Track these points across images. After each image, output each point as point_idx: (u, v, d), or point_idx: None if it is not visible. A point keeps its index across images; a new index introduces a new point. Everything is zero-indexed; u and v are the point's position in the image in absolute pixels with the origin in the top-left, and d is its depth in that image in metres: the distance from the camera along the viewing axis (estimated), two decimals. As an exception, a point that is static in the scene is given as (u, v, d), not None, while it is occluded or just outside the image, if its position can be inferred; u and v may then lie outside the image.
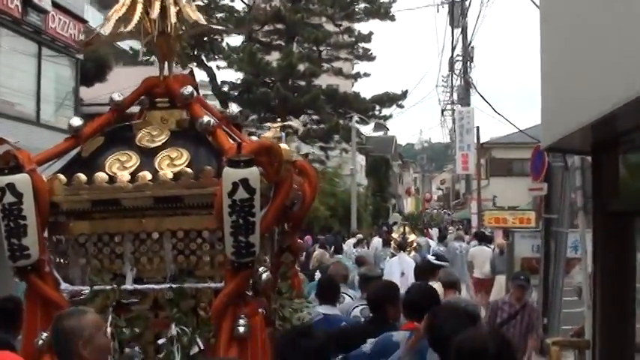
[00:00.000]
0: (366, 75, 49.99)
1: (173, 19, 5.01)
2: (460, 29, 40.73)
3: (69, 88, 20.56)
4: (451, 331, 4.51)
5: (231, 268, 4.41)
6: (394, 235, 24.99)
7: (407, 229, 26.07)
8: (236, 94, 47.70)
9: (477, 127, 40.62)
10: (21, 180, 4.49)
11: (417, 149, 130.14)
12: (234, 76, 49.06)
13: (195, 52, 48.84)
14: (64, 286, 4.80)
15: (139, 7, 5.05)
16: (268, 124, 5.34)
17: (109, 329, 4.55)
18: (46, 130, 17.45)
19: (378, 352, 5.74)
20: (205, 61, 48.59)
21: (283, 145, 4.42)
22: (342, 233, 29.93)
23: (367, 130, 48.05)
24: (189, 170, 4.62)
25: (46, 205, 4.64)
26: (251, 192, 4.21)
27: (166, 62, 5.39)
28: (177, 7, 5.14)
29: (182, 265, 4.75)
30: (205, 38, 47.13)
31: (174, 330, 4.56)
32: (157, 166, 4.75)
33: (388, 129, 40.71)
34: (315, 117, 46.20)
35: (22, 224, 4.48)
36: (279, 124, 4.67)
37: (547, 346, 9.52)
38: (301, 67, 43.66)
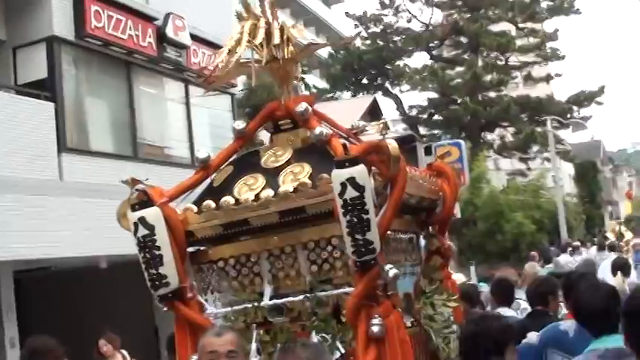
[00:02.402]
0: (558, 75, 49.23)
1: (277, 40, 5.36)
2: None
3: (226, 127, 19.76)
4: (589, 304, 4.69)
5: (357, 269, 4.66)
6: (609, 234, 24.61)
7: (622, 228, 25.58)
8: (425, 117, 48.04)
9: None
10: (151, 213, 4.97)
11: (629, 153, 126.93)
12: (420, 98, 49.51)
13: (379, 81, 49.88)
14: (209, 309, 5.23)
15: (245, 38, 5.45)
16: (371, 124, 5.54)
17: (253, 345, 4.96)
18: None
19: (547, 342, 5.88)
20: (390, 89, 49.38)
21: (390, 141, 4.64)
22: (554, 244, 29.32)
23: (569, 136, 47.10)
24: (307, 181, 4.93)
25: (181, 234, 5.09)
26: (360, 189, 4.46)
27: (285, 86, 5.70)
28: (283, 31, 5.50)
29: (318, 275, 5.06)
30: (388, 65, 48.08)
31: (314, 338, 4.86)
32: (280, 183, 5.10)
33: (587, 127, 39.87)
34: (510, 128, 45.80)
35: (158, 254, 4.94)
36: (382, 121, 4.89)
37: None
38: (488, 78, 43.52)
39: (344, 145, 4.71)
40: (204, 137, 19.59)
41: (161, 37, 17.67)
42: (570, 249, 24.94)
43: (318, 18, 58.05)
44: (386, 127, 4.83)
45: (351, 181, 4.47)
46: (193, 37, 18.65)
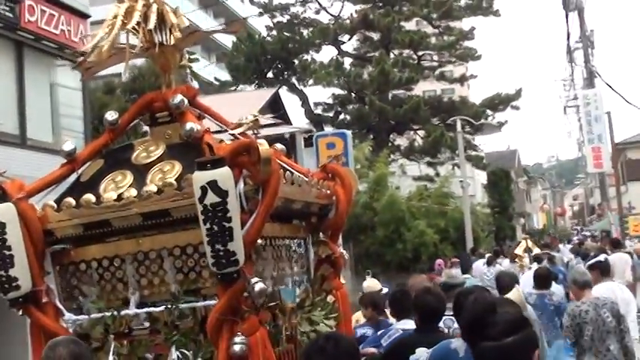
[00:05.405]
0: (473, 77, 49.95)
1: (152, 25, 5.27)
2: (576, 12, 39.58)
3: (73, 105, 18.67)
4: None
5: (218, 282, 4.61)
6: (517, 250, 25.21)
7: (529, 242, 26.15)
8: (331, 115, 48.07)
9: (609, 113, 37.55)
10: (3, 209, 4.86)
11: (545, 167, 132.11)
12: (326, 96, 49.55)
13: (285, 75, 49.75)
14: (67, 316, 5.10)
15: (119, 21, 5.35)
16: (241, 120, 5.50)
17: (110, 358, 4.88)
18: (37, 154, 15.67)
19: None
20: (296, 84, 49.25)
21: (261, 141, 4.60)
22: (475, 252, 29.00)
23: (484, 144, 47.82)
24: (173, 182, 4.84)
25: (38, 233, 4.99)
26: (222, 195, 4.38)
27: (166, 75, 5.64)
28: (161, 17, 5.41)
29: (184, 284, 4.97)
30: (294, 59, 47.95)
31: (174, 354, 4.78)
32: (148, 182, 5.01)
33: (500, 130, 40.74)
34: (420, 132, 46.22)
35: (8, 255, 4.84)
36: (252, 117, 4.85)
37: None
38: (398, 76, 43.69)
39: (208, 145, 4.66)
40: (42, 113, 17.65)
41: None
42: (485, 260, 25.20)
43: (228, 8, 57.44)
44: (257, 123, 4.78)
45: (213, 184, 4.40)
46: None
